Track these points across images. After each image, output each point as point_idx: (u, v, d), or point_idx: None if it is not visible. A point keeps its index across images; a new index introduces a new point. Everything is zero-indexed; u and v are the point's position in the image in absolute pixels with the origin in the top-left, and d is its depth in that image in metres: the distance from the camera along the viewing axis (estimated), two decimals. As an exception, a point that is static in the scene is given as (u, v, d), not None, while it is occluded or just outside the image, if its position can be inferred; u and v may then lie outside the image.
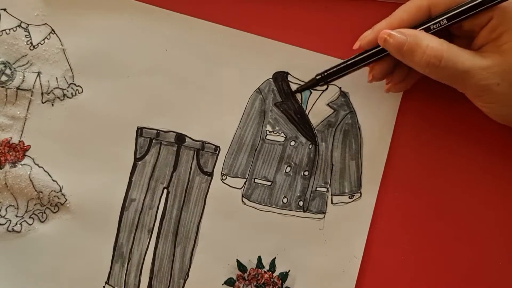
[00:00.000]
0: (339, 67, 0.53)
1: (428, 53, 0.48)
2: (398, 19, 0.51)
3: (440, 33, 0.50)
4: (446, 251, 0.56)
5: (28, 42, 0.55)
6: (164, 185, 0.56)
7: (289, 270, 0.56)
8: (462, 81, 0.49)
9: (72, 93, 0.55)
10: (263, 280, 0.56)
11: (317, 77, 0.54)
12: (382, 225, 0.56)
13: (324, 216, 0.56)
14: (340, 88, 0.56)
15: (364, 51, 0.52)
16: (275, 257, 0.56)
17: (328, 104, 0.56)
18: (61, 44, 0.55)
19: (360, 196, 0.56)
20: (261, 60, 0.56)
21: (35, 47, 0.55)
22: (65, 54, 0.55)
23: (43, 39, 0.55)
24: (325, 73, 0.54)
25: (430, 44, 0.48)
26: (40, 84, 0.55)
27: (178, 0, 0.56)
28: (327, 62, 0.55)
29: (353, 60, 0.53)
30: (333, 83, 0.56)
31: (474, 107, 0.52)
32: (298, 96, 0.56)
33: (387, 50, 0.51)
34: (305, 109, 0.56)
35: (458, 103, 0.55)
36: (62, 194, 0.55)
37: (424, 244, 0.57)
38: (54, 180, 0.55)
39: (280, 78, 0.56)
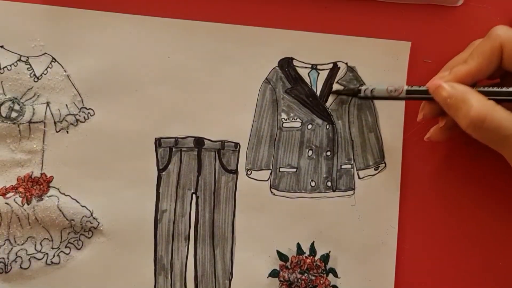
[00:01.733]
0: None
1: (472, 113, 0.47)
2: (476, 65, 0.50)
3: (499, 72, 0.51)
4: (478, 209, 0.57)
5: (31, 75, 0.55)
6: (192, 191, 0.56)
7: (329, 251, 0.56)
8: (503, 145, 0.48)
9: (84, 117, 0.55)
10: (306, 266, 0.56)
11: (359, 94, 0.54)
12: (412, 191, 0.57)
13: (354, 192, 0.56)
14: (346, 63, 0.56)
15: (419, 87, 0.52)
16: (313, 241, 0.56)
17: (337, 82, 0.57)
18: (64, 70, 0.55)
19: (385, 166, 0.57)
20: (264, 50, 0.56)
21: (39, 78, 0.55)
22: (70, 79, 0.55)
23: (46, 69, 0.55)
24: (370, 93, 0.53)
25: (476, 104, 0.47)
26: (51, 114, 0.55)
27: (172, 6, 0.56)
28: (331, 40, 0.56)
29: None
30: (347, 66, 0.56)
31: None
32: (307, 79, 0.57)
33: (436, 99, 0.50)
34: (315, 91, 0.57)
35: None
36: (94, 218, 0.54)
37: (456, 205, 0.57)
38: (83, 206, 0.54)
39: (286, 64, 0.56)
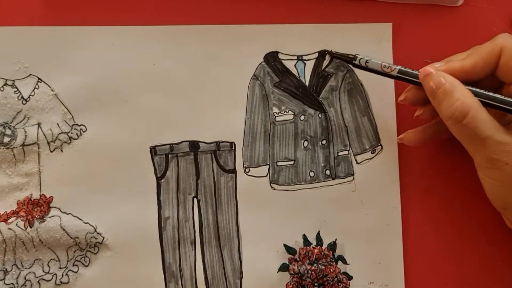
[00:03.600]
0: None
1: (456, 105, 0.47)
2: (471, 63, 0.50)
3: (491, 81, 0.51)
4: (479, 182, 0.57)
5: (19, 98, 0.54)
6: (193, 195, 0.56)
7: (336, 239, 0.56)
8: (475, 146, 0.48)
9: (77, 134, 0.55)
10: (314, 256, 0.56)
11: (354, 61, 0.54)
12: (411, 170, 0.57)
13: (353, 178, 0.56)
14: (331, 50, 0.56)
15: (410, 70, 0.52)
16: (319, 231, 0.56)
17: (324, 70, 0.57)
18: (52, 90, 0.55)
19: (382, 148, 0.57)
20: (249, 47, 0.56)
21: (27, 100, 0.54)
22: (58, 98, 0.55)
23: (33, 90, 0.55)
24: (365, 64, 0.53)
25: (462, 98, 0.47)
26: (44, 134, 0.54)
27: (151, 13, 0.56)
28: (314, 30, 0.56)
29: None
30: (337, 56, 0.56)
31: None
32: (294, 70, 0.57)
33: (423, 85, 0.50)
34: (304, 82, 0.57)
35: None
36: (98, 233, 0.54)
37: (457, 180, 0.57)
38: (86, 223, 0.54)
39: (272, 58, 0.56)
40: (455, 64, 0.50)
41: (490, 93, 0.49)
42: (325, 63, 0.57)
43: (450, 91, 0.48)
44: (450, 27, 0.57)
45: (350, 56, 0.54)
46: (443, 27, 0.57)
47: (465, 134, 0.48)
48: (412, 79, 0.51)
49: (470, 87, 0.49)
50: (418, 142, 0.55)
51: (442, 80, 0.48)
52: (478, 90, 0.49)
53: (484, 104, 0.48)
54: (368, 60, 0.53)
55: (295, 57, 0.57)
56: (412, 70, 0.52)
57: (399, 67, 0.52)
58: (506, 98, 0.49)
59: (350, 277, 0.56)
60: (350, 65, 0.55)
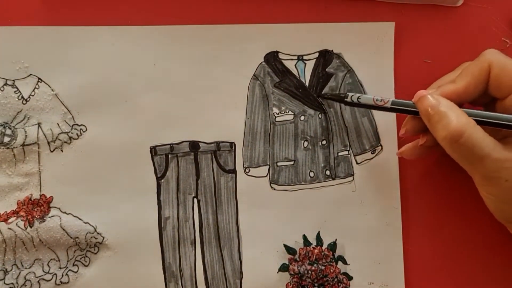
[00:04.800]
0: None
1: (452, 126, 0.47)
2: (464, 84, 0.50)
3: (483, 97, 0.51)
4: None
5: (19, 97, 0.54)
6: (193, 195, 0.56)
7: (336, 239, 0.56)
8: (474, 166, 0.48)
9: (77, 134, 0.55)
10: (314, 256, 0.56)
11: (346, 99, 0.53)
12: (411, 171, 0.57)
13: (353, 178, 0.56)
14: (332, 50, 0.56)
15: (403, 100, 0.52)
16: (319, 231, 0.56)
17: (324, 70, 0.57)
18: (52, 89, 0.55)
19: (382, 148, 0.57)
20: (249, 47, 0.56)
21: (27, 100, 0.54)
22: (58, 98, 0.55)
23: (33, 90, 0.55)
24: (357, 100, 0.53)
25: (457, 118, 0.47)
26: (44, 134, 0.54)
27: (151, 13, 0.56)
28: (314, 30, 0.56)
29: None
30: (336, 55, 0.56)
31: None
32: (294, 70, 0.57)
33: (418, 108, 0.50)
34: (304, 82, 0.57)
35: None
36: (98, 233, 0.54)
37: (457, 180, 0.57)
38: (86, 222, 0.54)
39: (272, 58, 0.56)
40: (448, 88, 0.50)
41: (484, 112, 0.49)
42: (326, 63, 0.57)
43: (444, 112, 0.48)
44: (450, 27, 0.57)
45: (341, 95, 0.54)
46: (443, 27, 0.57)
47: (462, 154, 0.48)
48: (407, 108, 0.51)
49: (464, 109, 0.49)
50: (418, 156, 0.54)
51: (436, 102, 0.48)
52: (471, 110, 0.49)
53: (479, 122, 0.48)
54: (359, 96, 0.53)
55: (296, 57, 0.57)
56: (405, 100, 0.51)
57: (391, 99, 0.52)
58: (500, 115, 0.49)
59: (350, 278, 0.56)
60: (343, 103, 0.55)
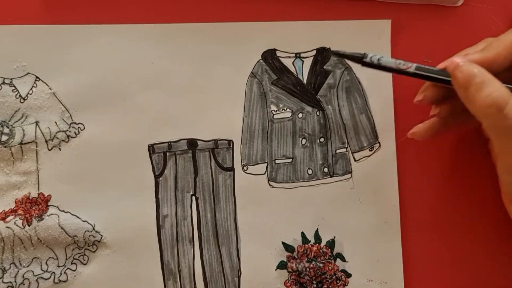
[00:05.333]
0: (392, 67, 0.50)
1: (496, 94, 0.44)
2: (494, 54, 0.48)
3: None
4: (479, 179, 0.57)
5: (17, 96, 0.54)
6: (191, 193, 0.56)
7: (334, 237, 0.56)
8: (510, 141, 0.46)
9: (75, 132, 0.55)
10: (312, 254, 0.56)
11: (365, 59, 0.50)
12: (409, 168, 0.57)
13: (351, 176, 0.56)
14: (329, 48, 0.56)
15: (427, 66, 0.50)
16: (317, 229, 0.56)
17: (322, 67, 0.57)
18: (49, 88, 0.55)
19: (380, 145, 0.57)
20: (247, 45, 0.56)
21: (25, 98, 0.54)
22: (56, 96, 0.55)
23: (31, 89, 0.55)
24: (377, 61, 0.50)
25: (499, 88, 0.45)
26: (42, 133, 0.54)
27: (148, 11, 0.56)
28: (312, 27, 0.56)
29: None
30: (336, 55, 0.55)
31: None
32: (292, 68, 0.57)
33: (454, 78, 0.47)
34: (302, 79, 0.57)
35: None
36: (96, 231, 0.54)
37: (456, 176, 0.57)
38: (84, 221, 0.54)
39: (270, 56, 0.56)
40: (476, 56, 0.48)
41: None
42: (324, 60, 0.57)
43: (485, 81, 0.45)
44: (450, 27, 0.57)
45: (359, 54, 0.50)
46: (443, 27, 0.57)
47: (503, 126, 0.45)
48: (432, 75, 0.49)
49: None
50: (429, 136, 0.53)
51: (475, 70, 0.46)
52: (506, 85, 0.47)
53: None
54: (380, 57, 0.49)
55: (293, 55, 0.57)
56: (430, 66, 0.50)
57: (415, 64, 0.49)
58: None
59: (349, 275, 0.56)
60: (360, 64, 0.51)
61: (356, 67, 0.56)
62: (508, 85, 0.46)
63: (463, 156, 0.57)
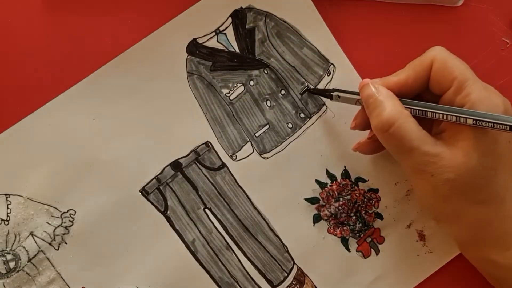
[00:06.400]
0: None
1: (384, 116, 0.47)
2: (405, 77, 0.50)
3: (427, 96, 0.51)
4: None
5: (0, 221, 0.53)
6: (202, 208, 0.56)
7: (344, 166, 0.57)
8: (402, 157, 0.49)
9: (69, 220, 0.54)
10: (336, 192, 0.56)
11: (332, 93, 0.54)
12: (370, 68, 0.57)
13: (326, 107, 0.57)
14: (240, 7, 0.56)
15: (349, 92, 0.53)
16: (326, 169, 0.56)
17: (246, 28, 0.56)
18: (21, 196, 0.54)
19: (334, 66, 0.57)
20: (170, 48, 0.55)
21: (8, 219, 0.53)
22: (32, 200, 0.54)
23: (7, 208, 0.53)
24: (341, 93, 0.53)
25: (389, 108, 0.47)
26: (42, 239, 0.54)
27: (62, 75, 0.55)
28: (212, 1, 0.55)
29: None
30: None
31: None
32: (220, 46, 0.56)
33: (361, 96, 0.51)
34: (234, 50, 0.56)
35: None
36: (144, 291, 0.55)
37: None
38: (128, 290, 0.55)
39: (194, 47, 0.56)
40: (389, 79, 0.51)
41: (421, 102, 0.49)
42: (244, 22, 0.56)
43: (380, 101, 0.48)
44: (450, 27, 0.57)
45: (327, 93, 0.55)
46: (443, 27, 0.57)
47: (392, 144, 0.48)
48: (350, 95, 0.53)
49: (402, 99, 0.49)
50: (373, 152, 0.55)
51: (374, 90, 0.49)
52: (409, 100, 0.49)
53: (416, 113, 0.49)
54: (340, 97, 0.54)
55: (213, 33, 0.56)
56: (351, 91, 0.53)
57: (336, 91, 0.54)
58: (436, 105, 0.48)
59: (376, 190, 0.57)
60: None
61: (275, 10, 0.56)
62: (408, 106, 0.49)
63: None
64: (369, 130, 0.54)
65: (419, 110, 0.49)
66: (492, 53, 0.57)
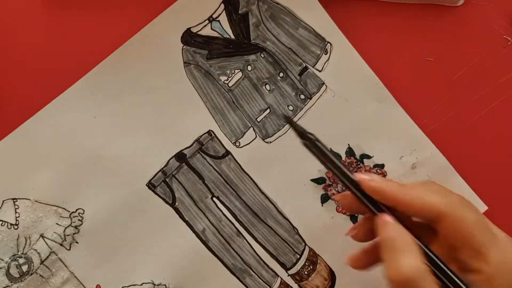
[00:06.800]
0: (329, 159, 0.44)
1: (402, 271, 0.38)
2: (408, 199, 0.41)
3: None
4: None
5: (9, 226, 0.53)
6: (210, 196, 0.56)
7: (348, 144, 0.56)
8: None
9: (79, 219, 0.54)
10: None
11: (303, 141, 0.44)
12: (370, 44, 0.57)
13: (325, 86, 0.56)
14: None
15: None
16: (330, 148, 0.56)
17: (240, 14, 0.56)
18: (29, 199, 0.54)
19: (331, 44, 0.56)
20: (164, 39, 0.55)
21: (17, 223, 0.53)
22: (40, 202, 0.54)
23: (15, 212, 0.53)
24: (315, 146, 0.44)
25: (410, 263, 0.39)
26: (53, 241, 0.54)
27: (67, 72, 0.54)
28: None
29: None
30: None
31: None
32: (214, 33, 0.55)
33: (376, 230, 0.41)
34: (230, 36, 0.56)
35: None
36: (157, 285, 0.55)
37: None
38: (146, 283, 0.55)
39: (189, 37, 0.55)
40: (392, 185, 0.42)
41: (442, 264, 0.40)
42: (238, 7, 0.56)
43: (400, 250, 0.39)
44: (452, 25, 0.57)
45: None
46: (445, 26, 0.57)
47: None
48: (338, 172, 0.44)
49: (425, 247, 0.41)
50: (368, 266, 0.46)
51: (395, 235, 0.40)
52: (432, 254, 0.40)
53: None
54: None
55: (207, 21, 0.56)
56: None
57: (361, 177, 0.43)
58: (456, 274, 0.40)
59: (382, 166, 0.57)
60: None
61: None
62: (432, 254, 0.40)
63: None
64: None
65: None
66: (493, 51, 0.57)
